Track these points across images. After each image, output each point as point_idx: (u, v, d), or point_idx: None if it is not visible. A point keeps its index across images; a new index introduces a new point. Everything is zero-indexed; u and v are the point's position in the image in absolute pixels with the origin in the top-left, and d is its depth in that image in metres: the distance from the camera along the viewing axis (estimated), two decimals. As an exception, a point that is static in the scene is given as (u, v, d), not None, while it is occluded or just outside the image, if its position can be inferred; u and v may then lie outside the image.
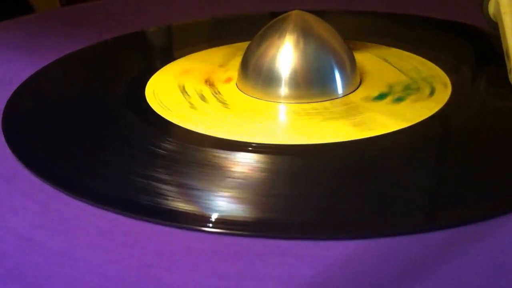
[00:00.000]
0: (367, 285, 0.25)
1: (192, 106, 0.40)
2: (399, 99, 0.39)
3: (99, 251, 0.27)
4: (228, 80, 0.43)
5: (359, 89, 0.41)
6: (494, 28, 0.47)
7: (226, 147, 0.34)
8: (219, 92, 0.41)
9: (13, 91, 0.43)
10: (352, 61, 0.41)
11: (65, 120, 0.39)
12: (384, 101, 0.39)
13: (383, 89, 0.41)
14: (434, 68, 0.44)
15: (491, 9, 0.47)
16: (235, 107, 0.39)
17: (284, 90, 0.39)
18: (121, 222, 0.29)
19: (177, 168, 0.33)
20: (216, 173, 0.32)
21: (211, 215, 0.29)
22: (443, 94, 0.40)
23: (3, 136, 0.37)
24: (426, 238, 0.27)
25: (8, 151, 0.36)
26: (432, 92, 0.40)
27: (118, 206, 0.30)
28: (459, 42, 0.50)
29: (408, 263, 0.26)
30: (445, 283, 0.25)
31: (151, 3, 0.66)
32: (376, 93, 0.40)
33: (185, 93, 0.42)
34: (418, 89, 0.41)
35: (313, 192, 0.31)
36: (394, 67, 0.44)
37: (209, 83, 0.43)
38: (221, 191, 0.31)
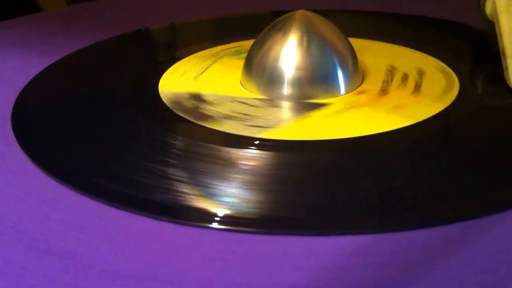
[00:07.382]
0: (369, 279, 0.25)
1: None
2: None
3: (108, 248, 0.28)
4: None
5: (360, 88, 0.42)
6: (490, 27, 0.47)
7: (230, 144, 0.35)
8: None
9: (21, 88, 0.43)
10: (355, 60, 0.42)
11: (74, 117, 0.40)
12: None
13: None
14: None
15: (488, 8, 0.48)
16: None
17: (287, 88, 0.40)
18: (128, 218, 0.29)
19: (183, 165, 0.34)
20: (220, 171, 0.33)
21: (217, 212, 0.30)
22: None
23: (12, 133, 0.37)
24: (427, 233, 0.28)
25: (18, 148, 0.36)
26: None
27: (126, 203, 0.30)
28: (456, 41, 0.51)
29: (410, 258, 0.26)
30: (445, 279, 0.25)
31: (155, 1, 0.66)
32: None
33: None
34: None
35: (316, 189, 0.32)
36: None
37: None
38: (224, 189, 0.32)
